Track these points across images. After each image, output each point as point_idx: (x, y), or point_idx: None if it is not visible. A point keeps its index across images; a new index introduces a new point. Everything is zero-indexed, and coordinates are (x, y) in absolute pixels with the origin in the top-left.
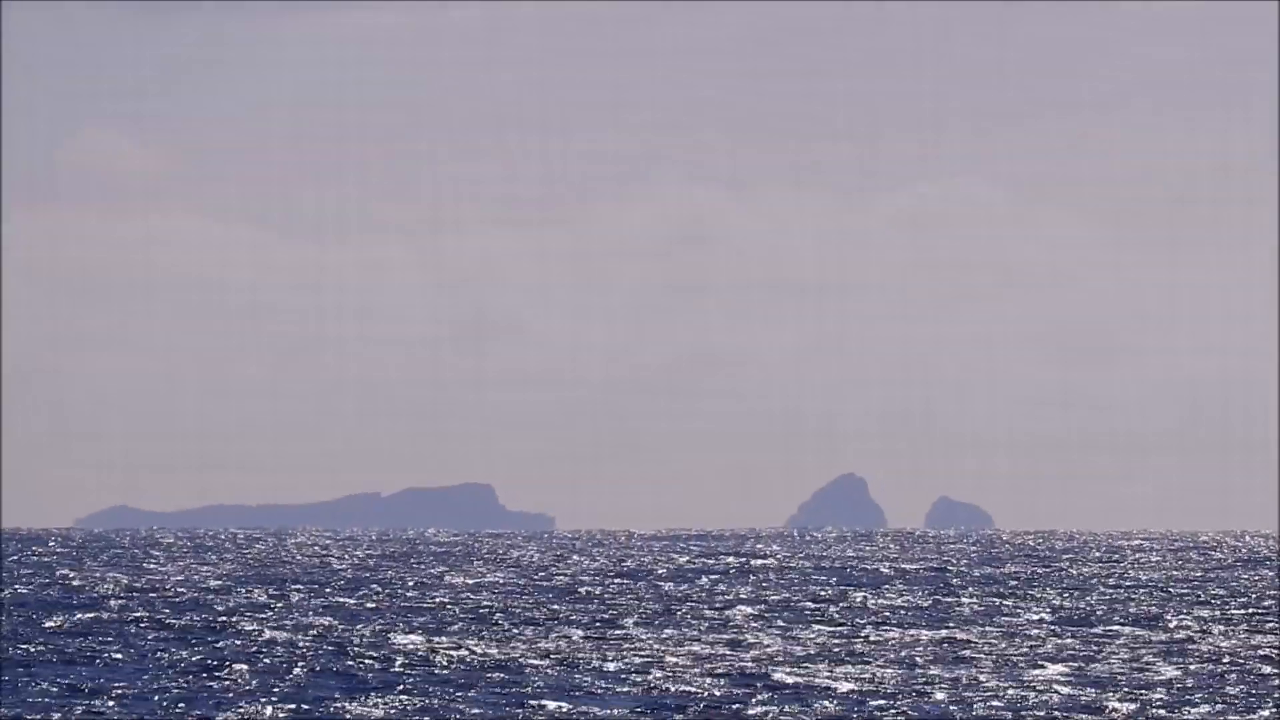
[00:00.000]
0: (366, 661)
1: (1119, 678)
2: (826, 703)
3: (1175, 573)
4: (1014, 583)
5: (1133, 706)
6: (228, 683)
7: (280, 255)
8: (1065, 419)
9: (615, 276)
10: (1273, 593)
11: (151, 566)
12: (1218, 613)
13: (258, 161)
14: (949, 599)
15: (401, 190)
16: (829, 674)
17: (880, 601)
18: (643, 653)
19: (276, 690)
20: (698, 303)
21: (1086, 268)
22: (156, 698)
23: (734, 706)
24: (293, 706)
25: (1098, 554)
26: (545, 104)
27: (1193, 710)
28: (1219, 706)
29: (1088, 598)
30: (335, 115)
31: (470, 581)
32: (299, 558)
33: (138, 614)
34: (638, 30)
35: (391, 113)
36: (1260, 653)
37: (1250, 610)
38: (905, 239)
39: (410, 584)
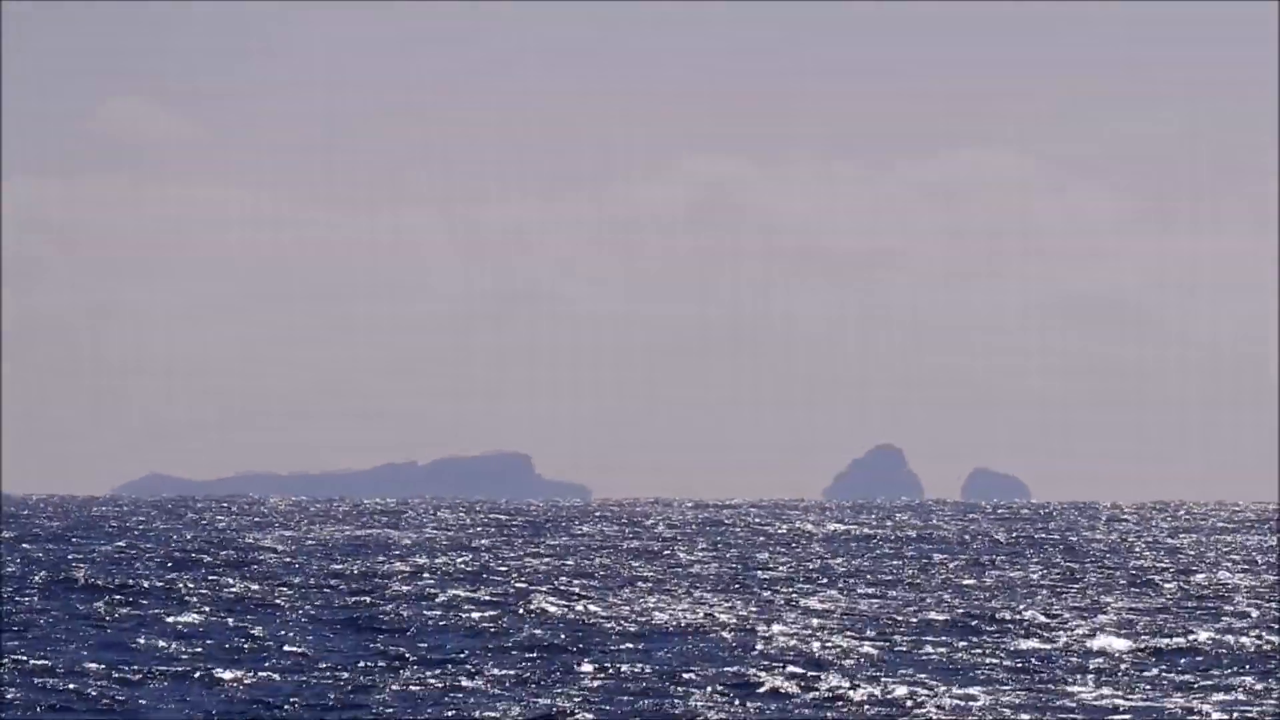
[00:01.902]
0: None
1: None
2: (735, 666)
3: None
4: (986, 557)
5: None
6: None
7: (311, 225)
8: (1097, 388)
9: (645, 248)
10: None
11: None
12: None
13: (288, 134)
14: (921, 566)
15: (433, 162)
16: (744, 635)
17: (841, 566)
18: (585, 610)
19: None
20: (729, 273)
21: (1118, 238)
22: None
23: (646, 664)
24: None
25: (1098, 523)
26: (574, 75)
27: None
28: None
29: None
30: (367, 88)
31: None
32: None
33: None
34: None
35: (423, 85)
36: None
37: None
38: (938, 207)
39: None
